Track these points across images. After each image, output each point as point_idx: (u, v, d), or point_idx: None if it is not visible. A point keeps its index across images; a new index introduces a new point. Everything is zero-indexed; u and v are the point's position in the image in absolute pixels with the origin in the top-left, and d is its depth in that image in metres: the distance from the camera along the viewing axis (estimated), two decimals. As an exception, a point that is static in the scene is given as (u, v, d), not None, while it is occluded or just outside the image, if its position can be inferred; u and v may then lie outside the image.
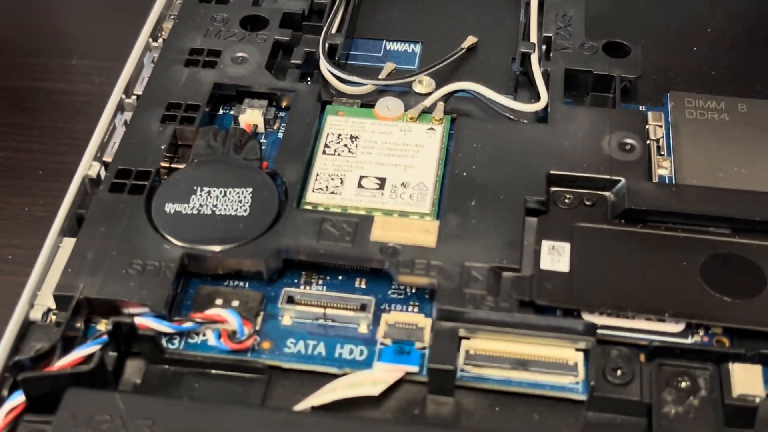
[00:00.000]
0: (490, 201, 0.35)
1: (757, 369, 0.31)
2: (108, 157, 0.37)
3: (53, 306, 0.33)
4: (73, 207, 0.35)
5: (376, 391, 0.31)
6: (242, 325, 0.32)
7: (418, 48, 0.43)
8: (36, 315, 0.33)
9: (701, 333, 0.32)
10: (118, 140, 0.38)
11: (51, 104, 0.46)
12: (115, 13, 0.50)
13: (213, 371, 0.32)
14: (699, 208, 0.35)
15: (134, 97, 0.40)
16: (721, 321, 0.32)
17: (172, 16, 0.43)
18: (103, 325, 0.33)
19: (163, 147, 0.37)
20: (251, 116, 0.39)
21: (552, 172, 0.36)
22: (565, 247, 0.34)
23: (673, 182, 0.37)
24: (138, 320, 0.31)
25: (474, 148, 0.37)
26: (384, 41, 0.43)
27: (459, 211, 0.34)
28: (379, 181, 0.36)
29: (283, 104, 0.40)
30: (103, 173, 0.37)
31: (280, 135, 0.39)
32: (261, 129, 0.39)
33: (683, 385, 0.31)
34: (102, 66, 0.47)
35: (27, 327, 0.32)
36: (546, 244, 0.34)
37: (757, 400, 0.30)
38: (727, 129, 0.38)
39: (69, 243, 0.34)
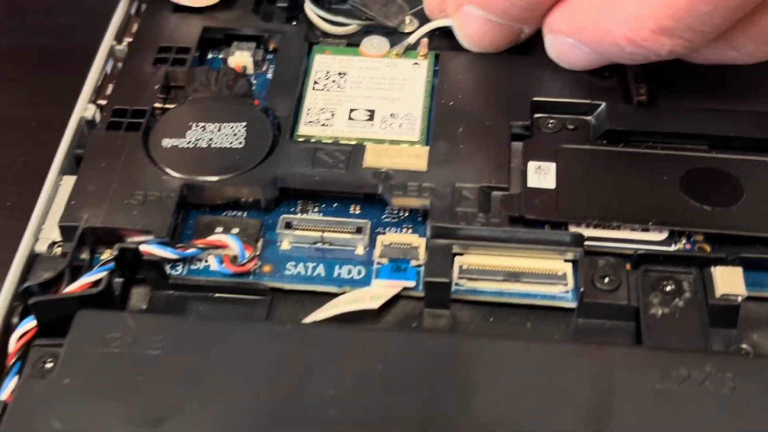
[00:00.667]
0: (477, 128, 0.36)
1: (737, 270, 0.32)
2: (103, 101, 0.38)
3: (58, 239, 0.34)
4: (71, 147, 0.36)
5: (375, 305, 0.32)
6: (243, 248, 0.33)
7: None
8: (41, 247, 0.34)
9: (683, 241, 0.34)
10: (112, 85, 0.39)
11: (41, 60, 0.47)
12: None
13: (216, 295, 0.33)
14: (677, 127, 0.36)
15: (126, 43, 0.41)
16: (702, 228, 0.33)
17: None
18: (107, 255, 0.34)
19: (156, 87, 0.38)
20: (240, 58, 0.40)
21: (535, 98, 0.37)
22: (550, 167, 0.35)
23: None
24: (143, 247, 0.32)
25: (459, 80, 0.38)
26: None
27: (447, 138, 0.36)
28: (368, 113, 0.37)
29: (271, 47, 0.41)
30: (98, 116, 0.38)
31: (269, 76, 0.40)
32: (250, 70, 0.40)
33: (668, 288, 0.32)
34: (91, 23, 0.48)
35: (33, 259, 0.33)
36: (532, 165, 0.35)
37: (739, 299, 0.32)
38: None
39: (69, 181, 0.35)
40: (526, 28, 0.37)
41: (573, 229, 0.33)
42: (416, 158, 0.35)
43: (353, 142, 0.36)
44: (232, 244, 0.33)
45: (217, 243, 0.33)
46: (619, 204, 0.34)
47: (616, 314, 0.32)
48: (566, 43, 0.36)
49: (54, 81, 0.45)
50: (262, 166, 0.35)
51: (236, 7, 0.41)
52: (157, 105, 0.37)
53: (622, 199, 0.34)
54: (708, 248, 0.33)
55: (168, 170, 0.35)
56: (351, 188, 0.35)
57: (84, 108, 0.38)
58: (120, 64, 0.39)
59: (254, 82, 0.39)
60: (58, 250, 0.34)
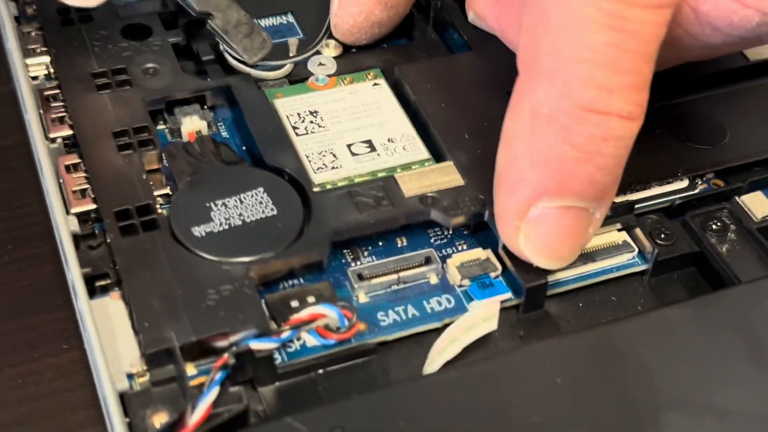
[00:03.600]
0: (480, 127, 0.36)
1: (760, 195, 0.36)
2: (77, 207, 0.34)
3: (132, 369, 0.30)
4: (82, 267, 0.32)
5: (493, 325, 0.32)
6: (342, 314, 0.31)
7: (291, 17, 0.43)
8: (123, 385, 0.30)
9: (699, 182, 0.37)
10: (75, 186, 0.34)
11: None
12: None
13: (326, 369, 0.31)
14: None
15: (60, 140, 0.36)
16: (711, 167, 0.36)
17: (37, 50, 0.39)
18: (192, 369, 0.30)
19: (144, 177, 0.34)
20: (192, 124, 0.37)
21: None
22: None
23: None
24: (255, 345, 0.30)
25: (432, 88, 0.38)
26: (254, 20, 0.42)
27: (461, 147, 0.36)
28: (367, 144, 0.36)
29: (209, 104, 0.38)
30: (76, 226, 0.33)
31: (224, 135, 0.38)
32: (205, 133, 0.37)
33: (715, 227, 0.35)
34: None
35: (122, 400, 0.29)
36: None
37: (775, 217, 0.36)
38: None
39: (110, 304, 0.31)
40: (600, 208, 0.32)
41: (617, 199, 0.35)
42: (449, 175, 0.35)
43: (378, 175, 0.35)
44: (330, 313, 0.31)
45: (316, 316, 0.31)
46: (636, 165, 0.36)
47: (683, 264, 0.35)
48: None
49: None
50: (312, 226, 0.33)
51: (162, 71, 0.38)
52: (156, 194, 0.34)
53: (637, 162, 0.36)
54: (721, 183, 0.37)
55: (224, 259, 0.32)
56: (406, 221, 0.34)
57: (65, 222, 0.33)
58: (68, 162, 0.35)
59: (221, 143, 0.37)
60: (139, 380, 0.30)
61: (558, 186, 0.31)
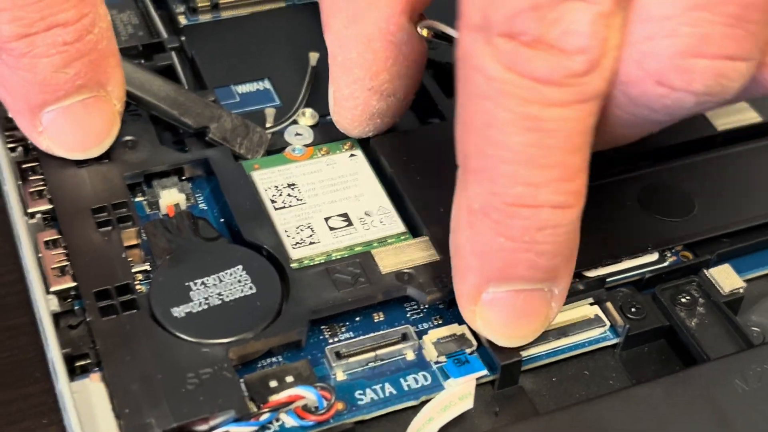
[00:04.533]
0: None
1: (727, 268, 0.37)
2: (57, 285, 0.34)
3: (114, 455, 0.30)
4: (62, 347, 0.32)
5: (469, 404, 0.33)
6: (320, 395, 0.32)
7: (267, 83, 0.43)
8: (103, 471, 0.30)
9: (667, 255, 0.38)
10: (55, 264, 0.34)
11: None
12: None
13: (306, 450, 0.32)
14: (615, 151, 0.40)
15: (39, 215, 0.36)
16: (681, 240, 0.37)
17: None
18: (174, 454, 0.31)
19: (123, 255, 0.34)
20: (170, 197, 0.37)
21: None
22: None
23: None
24: (234, 429, 0.30)
25: (406, 160, 0.38)
26: (231, 86, 0.43)
27: (437, 221, 0.36)
28: (344, 218, 0.37)
29: (187, 175, 0.39)
30: (56, 305, 0.34)
31: (202, 207, 0.38)
32: (182, 206, 0.37)
33: (684, 300, 0.36)
34: None
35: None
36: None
37: (742, 290, 0.36)
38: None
39: (84, 386, 0.31)
40: (557, 286, 0.32)
41: (588, 273, 0.36)
42: (425, 251, 0.35)
43: (354, 250, 0.36)
44: (308, 395, 0.32)
45: (294, 398, 0.31)
46: (607, 240, 0.37)
47: (653, 337, 0.36)
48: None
49: None
50: (291, 305, 0.33)
51: (142, 144, 0.38)
52: (135, 270, 0.34)
53: (607, 235, 0.37)
54: (690, 255, 0.38)
55: (203, 341, 0.32)
56: (383, 298, 0.34)
57: (45, 300, 0.33)
58: (47, 238, 0.35)
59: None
60: (120, 468, 0.30)
61: (501, 274, 0.31)
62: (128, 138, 0.38)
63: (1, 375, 0.36)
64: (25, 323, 0.38)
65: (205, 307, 0.33)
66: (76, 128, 0.36)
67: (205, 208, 0.38)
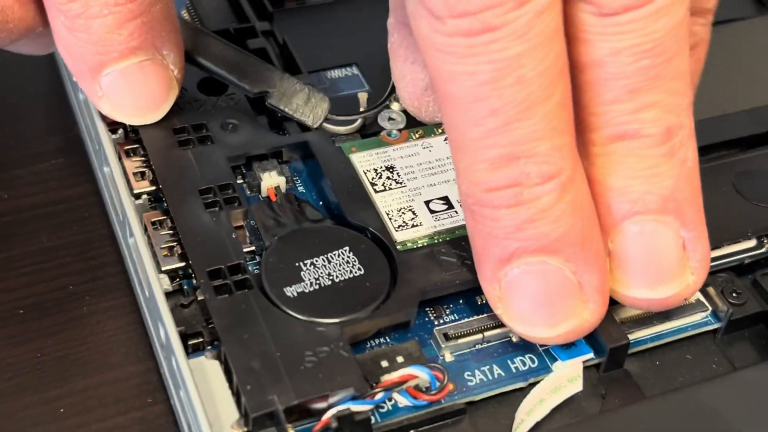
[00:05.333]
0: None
1: (828, 254, 0.37)
2: (167, 265, 0.34)
3: (231, 430, 0.30)
4: (177, 325, 0.33)
5: (579, 386, 0.33)
6: (433, 375, 0.32)
7: (356, 69, 0.44)
8: (225, 447, 0.30)
9: (765, 241, 0.38)
10: (164, 244, 0.35)
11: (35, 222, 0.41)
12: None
13: (418, 429, 0.32)
14: (705, 139, 0.40)
15: (144, 196, 0.37)
16: (782, 227, 0.38)
17: (112, 103, 0.39)
18: (290, 429, 0.31)
19: (233, 236, 0.34)
20: (271, 180, 0.38)
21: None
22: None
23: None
24: (355, 407, 0.30)
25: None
26: (321, 73, 0.43)
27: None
28: (444, 202, 0.37)
29: (285, 158, 0.39)
30: (168, 284, 0.34)
31: (301, 189, 0.38)
32: (282, 189, 0.38)
33: (783, 286, 0.36)
34: (52, 169, 0.43)
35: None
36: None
37: (842, 278, 0.37)
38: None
39: (200, 364, 0.32)
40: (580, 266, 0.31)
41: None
42: (528, 234, 0.36)
43: (454, 235, 0.36)
44: (422, 374, 0.32)
45: (407, 378, 0.32)
46: (708, 226, 0.37)
47: (753, 322, 0.36)
48: None
49: (68, 243, 0.40)
50: (401, 286, 0.34)
51: (242, 126, 0.38)
52: (245, 251, 0.34)
53: (706, 220, 0.37)
54: (787, 242, 0.38)
55: (317, 320, 0.32)
56: (489, 281, 0.35)
57: (158, 279, 0.34)
58: (148, 221, 0.35)
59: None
60: (242, 444, 0.31)
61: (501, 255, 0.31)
62: (229, 121, 0.38)
63: (105, 355, 0.37)
64: (125, 303, 0.38)
65: (317, 287, 0.33)
66: (133, 92, 0.37)
67: (304, 191, 0.38)
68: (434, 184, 0.38)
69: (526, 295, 0.31)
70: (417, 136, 0.40)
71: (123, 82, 0.36)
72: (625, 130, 0.30)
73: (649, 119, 0.30)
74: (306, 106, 0.39)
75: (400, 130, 0.40)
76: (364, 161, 0.38)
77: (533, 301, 0.31)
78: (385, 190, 0.37)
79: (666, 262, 0.31)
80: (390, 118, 0.40)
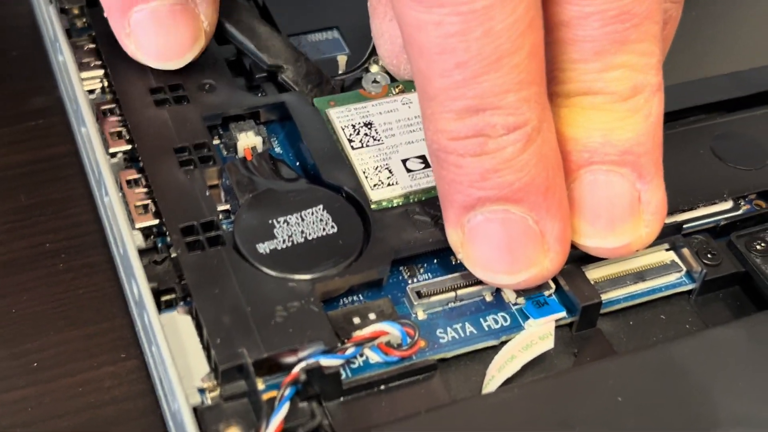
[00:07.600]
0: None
1: (802, 215, 0.37)
2: (141, 222, 0.34)
3: (204, 384, 0.31)
4: (149, 282, 0.33)
5: (550, 344, 0.33)
6: (404, 331, 0.32)
7: (336, 33, 0.44)
8: (195, 399, 0.30)
9: (741, 203, 0.38)
10: (138, 201, 0.35)
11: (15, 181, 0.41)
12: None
13: (389, 385, 0.32)
14: (685, 102, 0.40)
15: (120, 154, 0.37)
16: (754, 189, 0.37)
17: (91, 64, 0.39)
18: (260, 383, 0.31)
19: (207, 193, 0.34)
20: (248, 140, 0.38)
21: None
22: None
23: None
24: (325, 361, 0.30)
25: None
26: (300, 36, 0.43)
27: (513, 166, 0.37)
28: (421, 160, 0.37)
29: (262, 119, 0.39)
30: (141, 240, 0.34)
31: (278, 150, 0.38)
32: (259, 149, 0.38)
33: (759, 247, 0.36)
34: (33, 129, 0.43)
35: (196, 413, 0.30)
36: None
37: (817, 239, 0.37)
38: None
39: (179, 319, 0.32)
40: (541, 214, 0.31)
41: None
42: (503, 194, 0.36)
43: (430, 194, 0.36)
44: (393, 331, 0.32)
45: (378, 334, 0.32)
46: (683, 187, 0.37)
47: (727, 283, 0.36)
48: None
49: (54, 201, 0.40)
50: (373, 244, 0.34)
51: (219, 87, 0.38)
52: (219, 209, 0.34)
53: (682, 183, 0.37)
54: (763, 204, 0.38)
55: (288, 276, 0.32)
56: (463, 240, 0.35)
57: (131, 235, 0.34)
58: (123, 179, 0.36)
59: (276, 159, 0.38)
60: (210, 395, 0.31)
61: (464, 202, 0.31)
62: (206, 81, 0.38)
63: (79, 311, 0.37)
64: (100, 261, 0.38)
65: (289, 244, 0.33)
66: (161, 34, 0.37)
67: (281, 151, 0.38)
68: (412, 142, 0.38)
69: (488, 242, 0.31)
70: (397, 90, 0.40)
71: (151, 22, 0.36)
72: (589, 87, 0.31)
73: (614, 78, 0.30)
74: (317, 89, 0.39)
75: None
76: (342, 117, 0.38)
77: (495, 248, 0.31)
78: (362, 147, 0.37)
79: (618, 212, 0.32)
80: (374, 81, 0.40)
